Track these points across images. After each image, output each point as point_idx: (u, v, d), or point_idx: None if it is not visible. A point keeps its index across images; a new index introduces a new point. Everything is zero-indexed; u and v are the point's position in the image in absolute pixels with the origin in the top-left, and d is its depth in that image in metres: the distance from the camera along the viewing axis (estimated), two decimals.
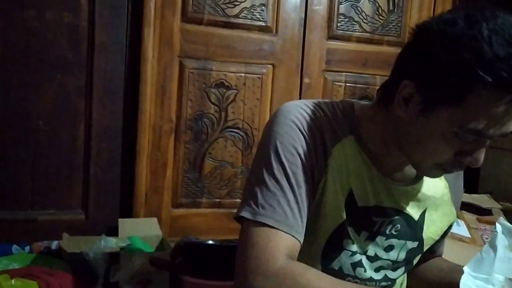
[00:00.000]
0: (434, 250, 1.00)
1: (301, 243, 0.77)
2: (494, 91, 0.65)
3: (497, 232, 0.74)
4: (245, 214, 0.76)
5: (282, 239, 0.74)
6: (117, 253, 1.63)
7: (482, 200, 1.67)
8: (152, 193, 1.98)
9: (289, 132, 0.78)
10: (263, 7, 2.07)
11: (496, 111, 0.67)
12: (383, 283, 0.89)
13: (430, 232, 0.91)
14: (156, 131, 1.97)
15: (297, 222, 0.76)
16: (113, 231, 1.85)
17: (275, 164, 0.77)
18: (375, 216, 0.84)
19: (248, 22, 2.06)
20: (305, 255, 0.80)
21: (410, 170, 0.87)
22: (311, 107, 0.82)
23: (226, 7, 2.01)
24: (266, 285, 0.71)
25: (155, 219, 1.94)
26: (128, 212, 1.97)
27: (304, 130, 0.79)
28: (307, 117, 0.80)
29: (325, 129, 0.80)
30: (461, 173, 0.98)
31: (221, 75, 2.05)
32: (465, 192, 1.74)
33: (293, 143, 0.78)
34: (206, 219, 2.08)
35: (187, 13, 1.96)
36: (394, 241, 0.87)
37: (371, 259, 0.86)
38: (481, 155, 0.72)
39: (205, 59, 2.01)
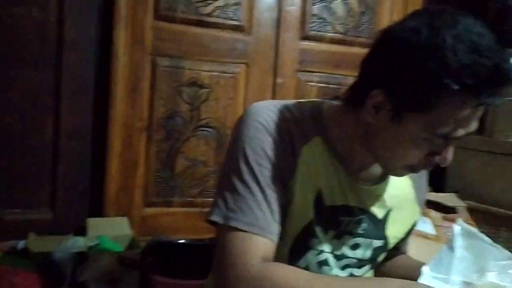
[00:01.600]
0: (399, 248, 1.02)
1: (276, 242, 0.78)
2: (460, 97, 0.68)
3: (455, 233, 0.77)
4: (216, 218, 0.76)
5: (256, 242, 0.75)
6: (85, 252, 1.61)
7: (448, 198, 1.71)
8: (122, 192, 1.96)
9: (257, 134, 0.79)
10: (236, 6, 2.06)
11: (463, 115, 0.70)
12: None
13: (394, 230, 0.93)
14: (127, 129, 1.95)
15: (269, 223, 0.76)
16: (82, 231, 1.82)
17: (244, 167, 0.77)
18: (342, 216, 0.86)
19: (222, 21, 2.05)
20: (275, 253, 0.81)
21: (375, 170, 0.88)
22: (279, 108, 0.83)
23: (199, 5, 2.00)
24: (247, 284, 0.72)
25: (125, 219, 1.91)
26: (98, 211, 1.94)
27: (272, 132, 0.79)
28: (275, 119, 0.81)
29: (293, 130, 0.81)
30: (425, 173, 1.00)
31: (194, 74, 2.04)
32: (432, 191, 1.78)
33: (261, 145, 0.78)
34: (177, 218, 2.07)
35: (159, 11, 1.94)
36: (360, 240, 0.89)
37: (338, 257, 0.88)
38: (450, 154, 0.75)
39: (177, 58, 2.00)
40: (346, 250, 0.88)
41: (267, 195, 0.77)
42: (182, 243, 1.81)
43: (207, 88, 2.06)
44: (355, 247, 0.89)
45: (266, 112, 0.81)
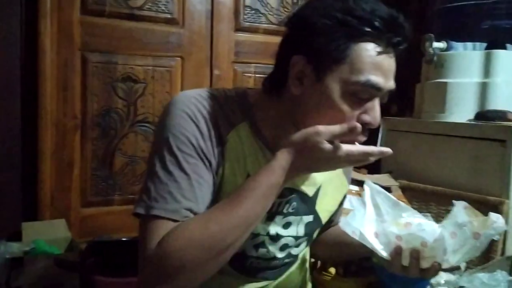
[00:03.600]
0: (332, 220, 1.07)
1: None
2: (370, 41, 0.75)
3: (365, 192, 0.85)
4: (139, 210, 0.76)
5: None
6: (21, 258, 1.54)
7: (382, 179, 1.77)
8: (58, 194, 1.89)
9: (181, 123, 0.79)
10: None
11: (376, 60, 0.75)
12: (286, 260, 0.94)
13: (325, 204, 0.97)
14: (59, 128, 1.88)
15: (192, 210, 0.76)
16: (17, 236, 1.74)
17: (167, 156, 0.77)
18: None
19: (153, 14, 2.02)
20: None
21: None
22: (204, 96, 0.83)
23: None
24: (152, 273, 0.71)
25: (63, 221, 1.84)
26: (33, 215, 1.86)
27: (197, 120, 0.79)
28: (200, 107, 0.81)
29: (219, 117, 0.82)
30: None
31: (128, 69, 2.00)
32: (368, 173, 1.84)
33: (185, 133, 0.78)
34: (119, 217, 2.02)
35: (87, 5, 1.88)
36: (291, 218, 0.91)
37: (274, 238, 0.90)
38: (378, 113, 0.79)
39: (109, 53, 1.95)
40: (279, 230, 0.90)
41: (193, 181, 0.77)
42: (124, 241, 1.78)
43: (142, 82, 2.03)
44: (287, 225, 0.91)
45: (190, 101, 0.81)
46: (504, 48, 1.79)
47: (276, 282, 0.95)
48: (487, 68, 1.71)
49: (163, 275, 0.71)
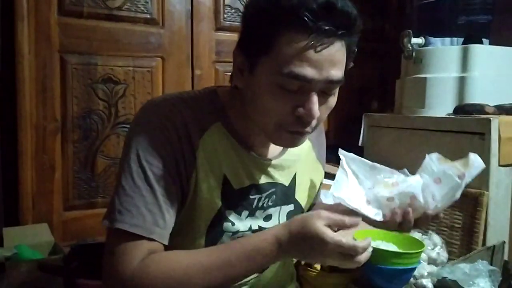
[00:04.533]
0: (313, 203, 1.08)
1: (164, 243, 0.78)
2: (297, 33, 0.71)
3: (342, 162, 0.91)
4: (104, 222, 0.75)
5: (140, 244, 0.74)
6: (2, 263, 1.52)
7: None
8: (40, 198, 1.87)
9: (149, 133, 0.78)
10: None
11: (303, 49, 0.72)
12: None
13: (303, 191, 0.98)
14: (39, 131, 1.85)
15: (158, 224, 0.76)
16: None
17: (134, 168, 0.76)
18: (252, 194, 0.88)
19: (132, 14, 2.01)
20: (191, 246, 0.82)
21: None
22: (174, 102, 0.82)
23: None
24: None
25: (45, 225, 1.82)
26: (15, 219, 1.83)
27: (166, 129, 0.79)
28: (169, 115, 0.80)
29: (189, 122, 0.81)
30: (322, 130, 1.08)
31: (108, 70, 1.98)
32: None
33: (153, 145, 0.77)
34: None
35: (64, 6, 1.86)
36: (271, 210, 0.92)
37: (256, 232, 0.90)
38: (313, 105, 0.75)
39: (88, 54, 1.93)
40: (260, 223, 0.90)
41: (157, 195, 0.76)
42: None
43: (123, 84, 2.02)
44: (267, 218, 0.92)
45: (160, 109, 0.81)
46: (480, 42, 1.82)
47: (262, 275, 0.95)
48: (464, 63, 1.74)
49: None
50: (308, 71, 0.73)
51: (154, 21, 2.06)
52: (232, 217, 0.86)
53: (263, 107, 0.78)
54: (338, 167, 1.70)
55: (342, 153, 0.92)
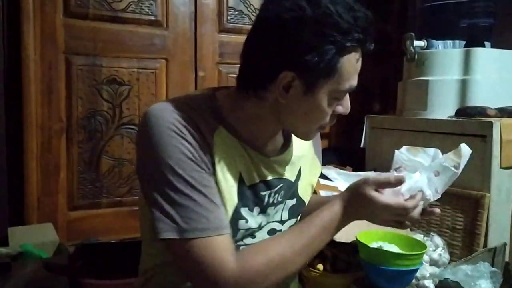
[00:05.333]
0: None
1: (230, 232, 0.81)
2: (353, 52, 0.79)
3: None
4: (170, 235, 0.77)
5: (217, 242, 0.77)
6: (8, 263, 1.53)
7: (367, 176, 1.80)
8: (45, 198, 1.88)
9: (171, 142, 0.79)
10: (151, 1, 2.04)
11: (357, 66, 0.82)
12: None
13: (305, 186, 1.01)
14: (45, 132, 1.87)
15: (220, 219, 0.79)
16: (4, 241, 1.73)
17: (174, 179, 0.78)
18: (262, 191, 0.91)
19: (137, 16, 2.02)
20: None
21: (278, 140, 0.95)
22: (177, 106, 0.83)
23: (112, 1, 1.96)
24: None
25: (50, 224, 1.84)
26: (20, 219, 1.85)
27: (183, 133, 0.80)
28: (179, 119, 0.81)
29: (199, 123, 0.82)
30: None
31: (113, 71, 2.00)
32: (353, 170, 1.87)
33: (179, 150, 0.79)
34: (106, 219, 2.02)
35: (70, 8, 1.88)
36: (280, 206, 0.95)
37: (262, 228, 0.93)
38: (349, 102, 0.87)
39: (93, 55, 1.95)
40: (270, 219, 0.94)
41: (206, 195, 0.79)
42: (112, 243, 1.78)
43: (127, 85, 2.03)
44: (277, 214, 0.96)
45: (169, 115, 0.81)
46: (483, 45, 1.83)
47: None
48: (466, 66, 1.75)
49: None
50: (356, 81, 0.83)
51: (158, 23, 2.08)
52: (246, 214, 0.88)
53: (315, 118, 0.85)
54: (339, 168, 1.72)
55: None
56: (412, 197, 0.86)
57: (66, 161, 1.93)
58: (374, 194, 0.83)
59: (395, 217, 0.87)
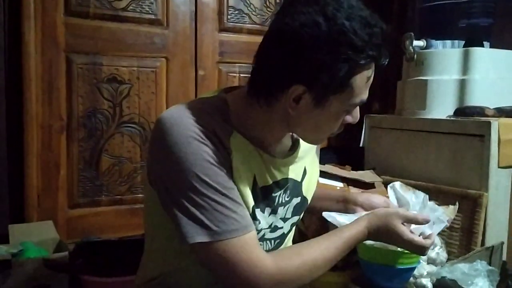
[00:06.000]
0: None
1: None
2: (367, 68, 0.80)
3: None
4: (201, 239, 0.78)
5: (248, 241, 0.80)
6: (8, 260, 1.54)
7: (366, 175, 1.81)
8: (45, 195, 1.89)
9: (193, 149, 0.79)
10: (151, 0, 2.05)
11: (369, 81, 0.83)
12: (278, 240, 0.99)
13: (308, 184, 1.03)
14: (45, 130, 1.88)
15: (245, 216, 0.82)
16: (4, 239, 1.74)
17: (199, 185, 0.78)
18: (274, 192, 0.92)
19: (137, 15, 2.03)
20: None
21: (286, 141, 0.97)
22: (192, 112, 0.83)
23: (112, 0, 1.97)
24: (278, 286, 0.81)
25: (50, 222, 1.85)
26: (20, 217, 1.86)
27: (203, 139, 0.80)
28: (196, 124, 0.81)
29: (216, 128, 0.82)
30: None
31: (113, 70, 2.00)
32: (352, 169, 1.88)
33: (201, 158, 0.79)
34: (107, 217, 2.03)
35: (70, 6, 1.89)
36: (287, 205, 0.98)
37: (272, 229, 0.95)
38: (358, 113, 0.89)
39: (94, 54, 1.96)
40: (278, 219, 0.96)
41: (231, 197, 0.80)
42: (112, 241, 1.79)
43: (127, 83, 2.04)
44: (284, 213, 0.98)
45: (187, 121, 0.81)
46: (481, 45, 1.84)
47: None
48: (465, 65, 1.76)
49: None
50: (367, 95, 0.86)
51: (159, 21, 2.09)
52: (259, 215, 0.90)
53: (324, 128, 0.88)
54: (338, 167, 1.72)
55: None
56: (428, 236, 0.99)
57: (67, 159, 1.94)
58: (402, 228, 0.95)
59: (411, 249, 0.99)
